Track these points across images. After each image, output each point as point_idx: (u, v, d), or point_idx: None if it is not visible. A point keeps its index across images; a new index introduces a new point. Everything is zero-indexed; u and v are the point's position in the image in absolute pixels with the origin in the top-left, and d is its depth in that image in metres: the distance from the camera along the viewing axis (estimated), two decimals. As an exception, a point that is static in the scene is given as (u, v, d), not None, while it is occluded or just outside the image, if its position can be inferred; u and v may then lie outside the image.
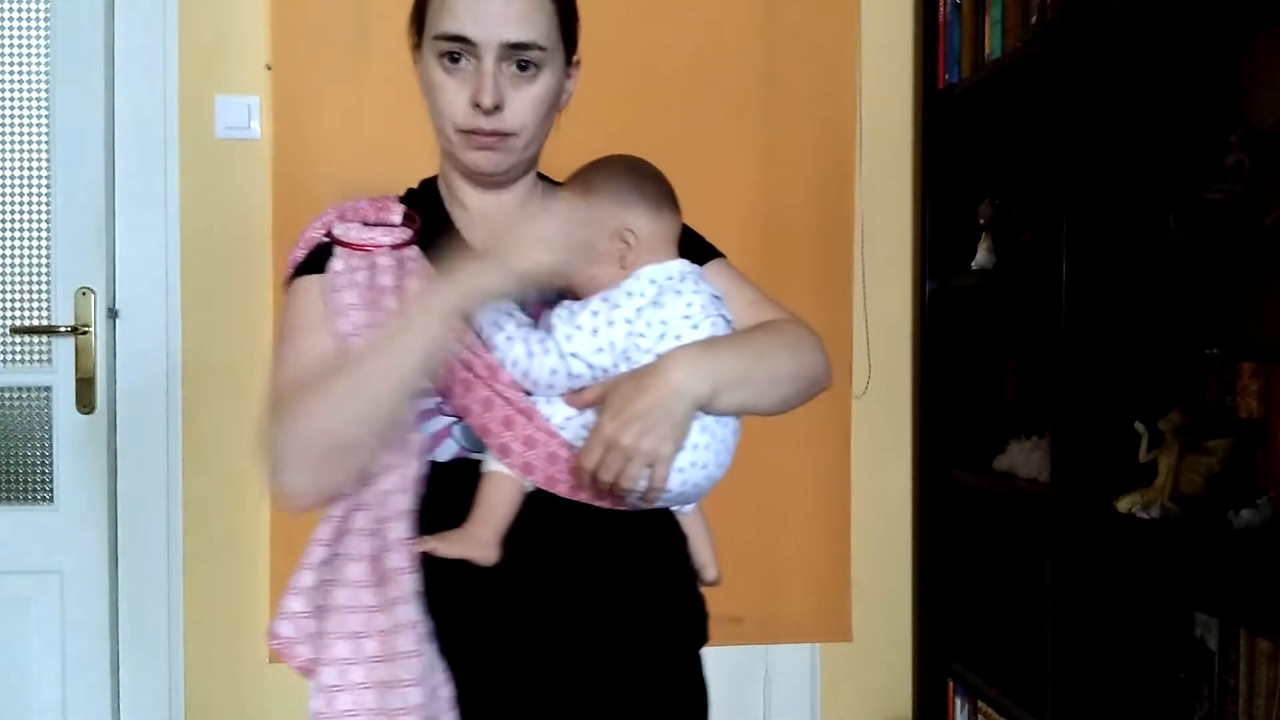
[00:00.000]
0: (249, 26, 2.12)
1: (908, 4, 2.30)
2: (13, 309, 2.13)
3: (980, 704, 2.09)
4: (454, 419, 1.03)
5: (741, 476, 2.25)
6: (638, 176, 1.07)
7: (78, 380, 2.12)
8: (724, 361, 1.00)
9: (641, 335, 1.00)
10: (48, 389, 2.14)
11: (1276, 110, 1.62)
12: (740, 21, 2.20)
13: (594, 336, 1.00)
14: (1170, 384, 1.70)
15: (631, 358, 1.00)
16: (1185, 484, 1.59)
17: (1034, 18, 1.86)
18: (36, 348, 2.14)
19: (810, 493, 2.25)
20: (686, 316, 1.01)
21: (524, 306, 1.05)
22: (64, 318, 2.12)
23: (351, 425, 0.96)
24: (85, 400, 2.12)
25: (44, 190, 2.13)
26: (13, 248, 2.13)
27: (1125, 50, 1.70)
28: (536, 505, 1.02)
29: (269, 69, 2.11)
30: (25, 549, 2.13)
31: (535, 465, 1.00)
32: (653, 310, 1.01)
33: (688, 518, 1.14)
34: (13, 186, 2.13)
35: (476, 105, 1.04)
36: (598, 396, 1.00)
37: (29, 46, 2.13)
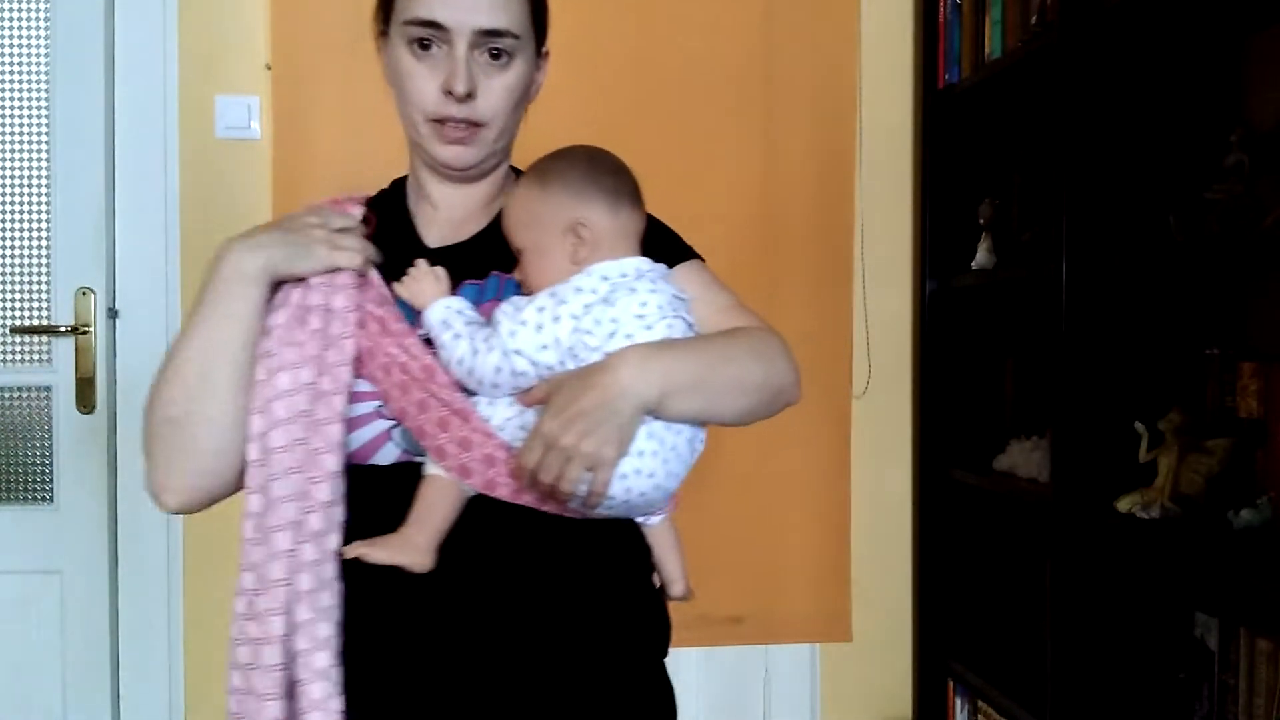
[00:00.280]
0: (249, 26, 2.13)
1: (908, 4, 2.30)
2: (13, 309, 2.13)
3: (980, 704, 2.09)
4: (394, 422, 0.99)
5: (741, 476, 2.27)
6: (596, 169, 1.03)
7: (78, 380, 2.12)
8: (677, 364, 0.95)
9: (589, 333, 0.95)
10: (48, 389, 2.14)
11: (1276, 110, 1.62)
12: (740, 21, 2.20)
13: (538, 333, 0.96)
14: (1170, 384, 1.70)
15: (579, 355, 0.95)
16: (1185, 484, 1.59)
17: (1034, 18, 1.86)
18: (36, 348, 2.14)
19: (810, 493, 2.25)
20: (640, 316, 0.96)
21: (476, 304, 1.02)
22: (64, 318, 2.12)
23: (169, 404, 0.98)
24: (85, 400, 2.12)
25: (44, 190, 2.13)
26: (13, 248, 2.13)
27: (1125, 50, 1.70)
28: (478, 511, 0.97)
29: (269, 69, 2.11)
30: (25, 549, 2.13)
31: (472, 468, 0.95)
32: (602, 308, 0.96)
33: (655, 529, 1.08)
34: (13, 186, 2.13)
35: (448, 93, 1.02)
36: (544, 394, 0.95)
37: (29, 46, 2.13)
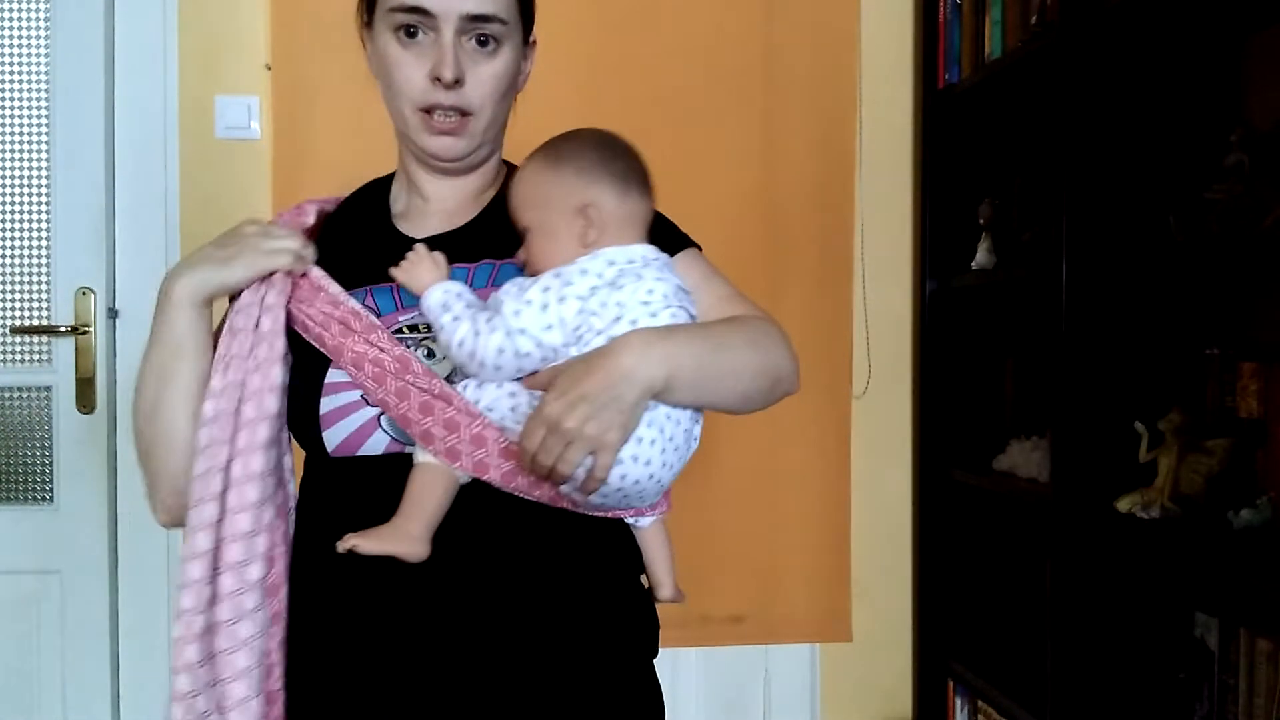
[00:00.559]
0: (249, 26, 2.13)
1: (908, 4, 2.30)
2: (13, 309, 2.13)
3: (980, 704, 2.09)
4: (380, 410, 0.98)
5: (741, 476, 2.27)
6: (608, 152, 1.01)
7: (78, 380, 2.12)
8: (681, 349, 0.93)
9: (595, 314, 0.94)
10: (48, 389, 2.14)
11: (1276, 110, 1.62)
12: (740, 21, 2.20)
13: (543, 312, 0.94)
14: (1170, 384, 1.70)
15: (583, 338, 0.94)
16: (1185, 484, 1.59)
17: (1034, 18, 1.86)
18: (36, 348, 2.14)
19: (810, 493, 2.24)
20: (646, 303, 0.95)
21: (472, 288, 1.02)
22: (64, 318, 2.12)
23: (138, 433, 1.02)
24: (85, 400, 2.12)
25: (44, 190, 2.13)
26: (13, 248, 2.13)
27: (1125, 50, 1.70)
28: (469, 502, 0.96)
29: (269, 69, 2.11)
30: (25, 549, 2.13)
31: (460, 450, 0.94)
32: (609, 291, 0.95)
33: (646, 531, 1.08)
34: (13, 186, 2.13)
35: (436, 80, 1.01)
36: (547, 379, 0.94)
37: (29, 46, 2.13)
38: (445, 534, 0.95)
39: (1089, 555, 1.71)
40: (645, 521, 1.07)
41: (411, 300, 1.02)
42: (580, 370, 0.91)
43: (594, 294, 0.95)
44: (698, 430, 1.01)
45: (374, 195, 1.16)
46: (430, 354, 1.00)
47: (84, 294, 2.11)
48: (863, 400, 2.28)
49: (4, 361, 2.14)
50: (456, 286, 0.99)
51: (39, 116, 2.13)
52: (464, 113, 1.04)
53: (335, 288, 1.02)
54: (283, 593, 1.01)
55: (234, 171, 2.14)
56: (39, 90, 2.13)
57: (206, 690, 0.95)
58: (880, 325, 2.30)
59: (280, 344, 1.00)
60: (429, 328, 1.00)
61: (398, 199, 1.15)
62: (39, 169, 2.13)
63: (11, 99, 2.13)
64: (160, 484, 1.03)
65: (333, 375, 1.00)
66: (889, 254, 2.30)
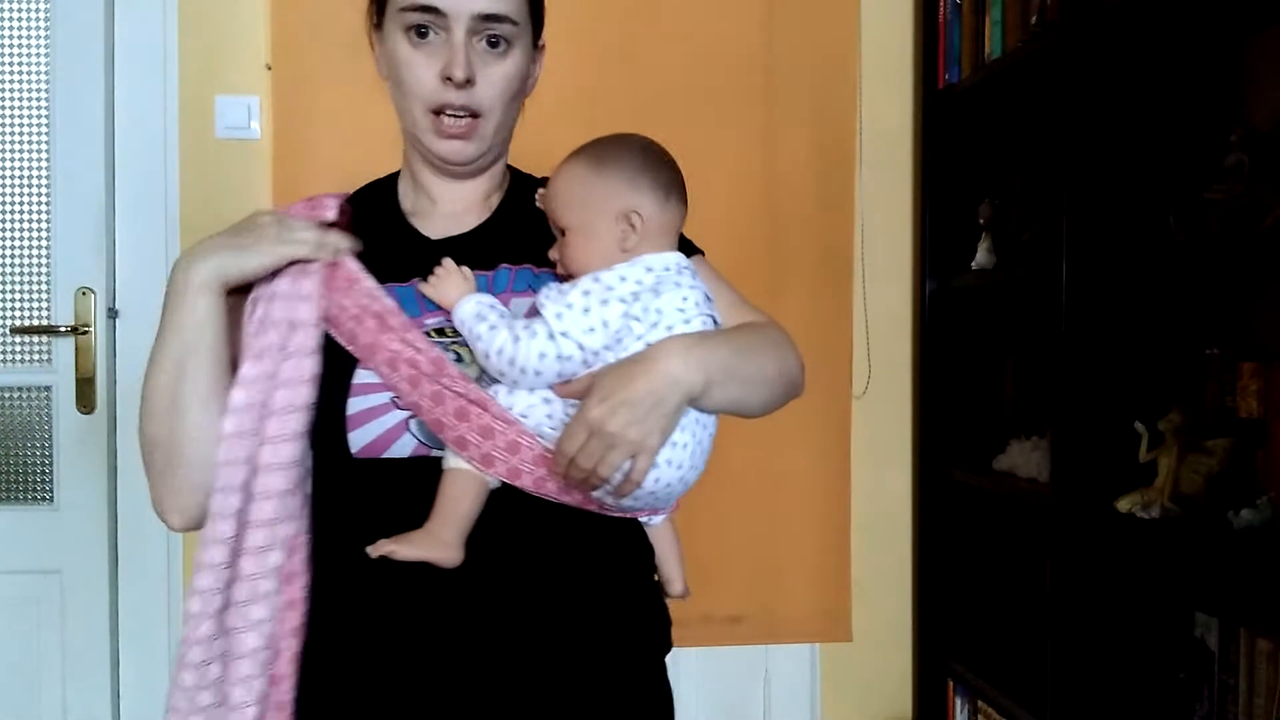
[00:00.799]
0: (249, 26, 2.13)
1: (908, 4, 2.30)
2: (13, 309, 2.13)
3: (980, 704, 2.09)
4: (409, 413, 0.98)
5: (742, 476, 2.27)
6: (654, 160, 1.02)
7: (78, 380, 2.12)
8: (716, 354, 0.96)
9: (637, 319, 0.95)
10: (48, 389, 2.14)
11: (1276, 110, 1.62)
12: (740, 21, 2.20)
13: (585, 315, 0.95)
14: (1170, 384, 1.70)
15: (623, 342, 0.95)
16: (1185, 484, 1.59)
17: (1034, 18, 1.86)
18: (36, 348, 2.14)
19: (810, 493, 2.25)
20: (681, 310, 0.97)
21: (491, 294, 1.02)
22: (64, 318, 2.12)
23: (150, 426, 0.99)
24: (85, 400, 2.12)
25: (44, 190, 2.13)
26: (13, 248, 2.13)
27: (1125, 50, 1.70)
28: (497, 504, 0.97)
29: (269, 69, 2.11)
30: (25, 549, 2.13)
31: (495, 456, 0.94)
32: (650, 297, 0.97)
33: (656, 530, 1.09)
34: (13, 186, 2.13)
35: (448, 79, 1.01)
36: (587, 386, 0.94)
37: (29, 46, 2.13)
38: (471, 537, 0.96)
39: (1089, 555, 1.71)
40: (656, 520, 1.09)
41: (434, 303, 1.02)
42: (623, 375, 0.92)
43: (637, 299, 0.97)
44: (714, 430, 1.03)
45: (381, 193, 1.15)
46: (459, 358, 1.00)
47: (84, 294, 2.11)
48: (863, 400, 2.28)
49: (4, 361, 2.14)
50: (488, 298, 1.00)
51: (39, 116, 2.13)
52: (474, 114, 1.04)
53: (372, 281, 1.01)
54: (300, 581, 1.00)
55: (234, 171, 2.14)
56: (39, 90, 2.13)
57: (216, 661, 0.97)
58: (880, 325, 2.30)
59: (317, 335, 0.99)
60: (455, 331, 1.00)
61: (405, 197, 1.14)
62: (39, 169, 2.13)
63: (11, 99, 2.13)
64: (177, 482, 1.00)
65: (360, 376, 0.99)
66: (889, 254, 2.30)
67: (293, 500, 0.99)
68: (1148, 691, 1.72)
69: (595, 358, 0.96)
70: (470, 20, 1.01)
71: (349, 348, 0.99)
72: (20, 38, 2.13)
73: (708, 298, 1.02)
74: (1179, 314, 1.72)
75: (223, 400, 0.97)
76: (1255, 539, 1.47)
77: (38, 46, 2.13)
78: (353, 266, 1.02)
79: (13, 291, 2.13)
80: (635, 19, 2.16)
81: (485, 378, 0.99)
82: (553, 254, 1.03)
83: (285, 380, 0.98)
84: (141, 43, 2.12)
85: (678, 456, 0.96)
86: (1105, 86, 1.70)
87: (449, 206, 1.11)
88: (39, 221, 2.13)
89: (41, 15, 2.12)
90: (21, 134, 2.13)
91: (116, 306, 2.13)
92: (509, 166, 1.17)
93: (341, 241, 1.00)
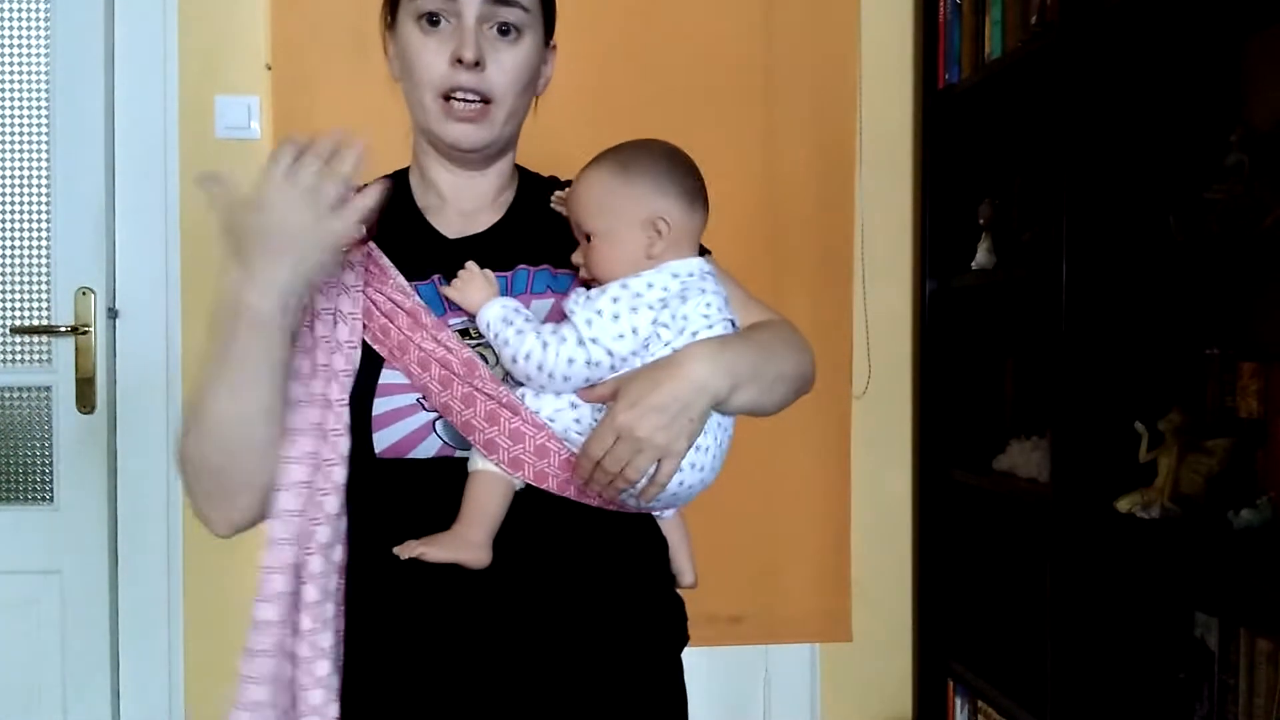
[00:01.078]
0: (249, 26, 2.12)
1: (908, 4, 2.30)
2: (13, 309, 2.13)
3: (980, 704, 2.09)
4: (435, 414, 0.99)
5: (742, 476, 2.26)
6: (679, 166, 1.03)
7: (78, 380, 2.12)
8: (740, 358, 0.97)
9: (665, 326, 0.97)
10: (48, 389, 2.14)
11: (1276, 110, 1.62)
12: (740, 21, 2.20)
13: (615, 322, 0.96)
14: (1170, 384, 1.70)
15: (650, 348, 0.97)
16: (1185, 484, 1.59)
17: (1034, 18, 1.86)
18: (36, 348, 2.14)
19: (810, 493, 2.25)
20: (706, 316, 0.98)
21: (510, 294, 1.03)
22: (64, 318, 2.12)
23: (210, 453, 0.96)
24: (85, 400, 2.12)
25: (44, 190, 2.13)
26: (13, 248, 2.13)
27: (1125, 50, 1.70)
28: (521, 504, 0.98)
29: (269, 69, 2.11)
30: (25, 549, 2.13)
31: (524, 460, 0.96)
32: (678, 303, 0.98)
33: (667, 522, 1.12)
34: (13, 186, 2.13)
35: (459, 61, 1.01)
36: (612, 391, 0.96)
37: (29, 46, 2.13)
38: (500, 538, 0.97)
39: (1089, 555, 1.71)
40: (669, 513, 1.11)
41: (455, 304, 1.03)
42: (651, 380, 0.93)
43: (665, 306, 0.98)
44: (734, 428, 1.05)
45: (396, 190, 1.14)
46: (484, 359, 1.01)
47: (84, 294, 2.11)
48: (863, 400, 2.28)
49: (4, 361, 2.14)
50: (513, 302, 1.00)
51: (39, 116, 2.13)
52: (485, 99, 1.04)
53: (401, 278, 1.02)
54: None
55: (234, 171, 2.13)
56: (39, 90, 2.13)
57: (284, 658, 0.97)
58: (880, 325, 2.30)
59: (360, 329, 1.00)
60: (478, 333, 1.01)
61: (416, 193, 1.14)
62: (39, 169, 2.13)
63: (11, 99, 2.13)
64: (235, 500, 0.97)
65: (387, 376, 0.99)
66: (889, 254, 2.30)
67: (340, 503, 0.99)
68: (1148, 691, 1.72)
69: (623, 363, 0.97)
70: (481, 5, 1.02)
71: (376, 346, 1.00)
72: (20, 38, 2.13)
73: (727, 301, 1.03)
74: (1179, 314, 1.72)
75: (283, 408, 0.96)
76: (1255, 539, 1.47)
77: (38, 46, 2.13)
78: (384, 261, 1.03)
79: (13, 291, 2.13)
80: (635, 19, 2.16)
81: (509, 381, 1.00)
82: (576, 258, 1.03)
83: (338, 371, 0.98)
84: (141, 43, 2.12)
85: (700, 459, 0.98)
86: (1105, 86, 1.70)
87: (459, 204, 1.11)
88: (39, 221, 2.13)
89: (41, 15, 2.12)
90: (21, 134, 2.13)
91: (116, 306, 2.13)
92: (517, 166, 1.17)
93: (367, 200, 0.95)
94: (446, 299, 1.03)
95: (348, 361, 0.98)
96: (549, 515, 0.99)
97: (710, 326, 0.98)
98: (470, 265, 1.03)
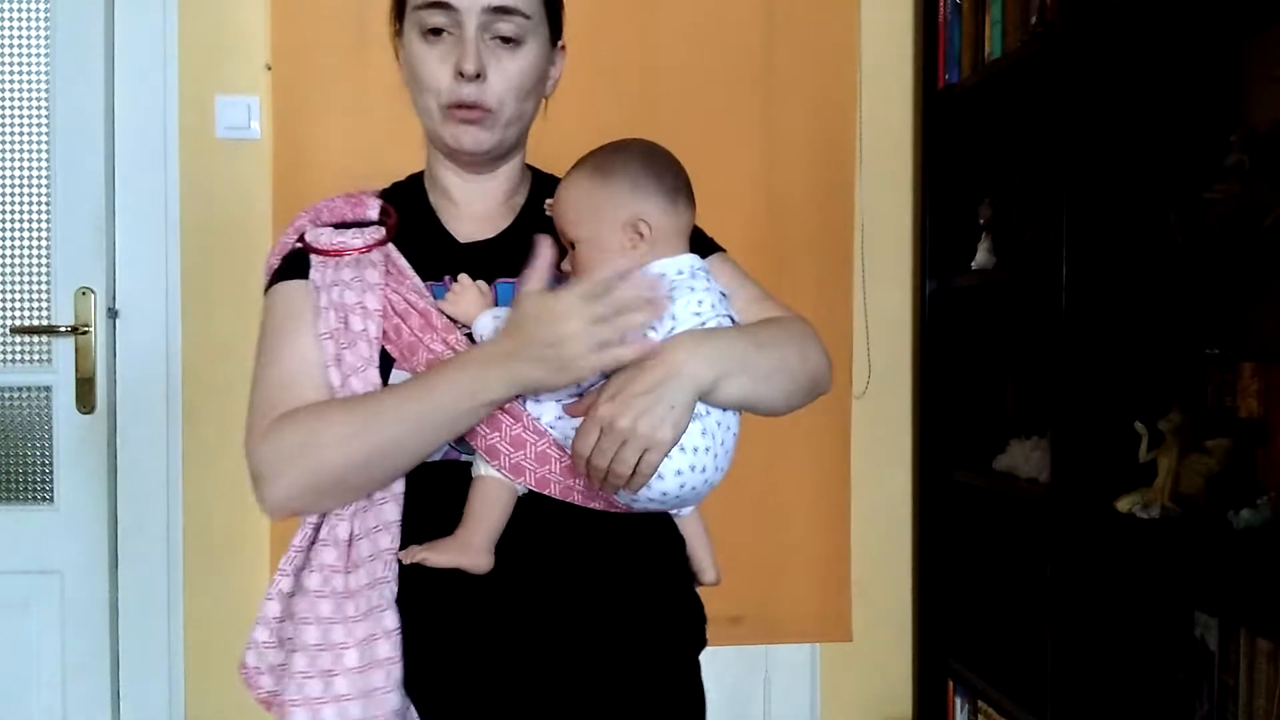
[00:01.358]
0: (249, 26, 2.12)
1: (908, 4, 2.30)
2: (13, 309, 2.13)
3: (980, 704, 2.09)
4: None
5: (741, 476, 2.25)
6: (657, 165, 1.02)
7: (78, 380, 2.12)
8: (726, 348, 0.96)
9: (652, 329, 0.96)
10: (48, 389, 2.14)
11: (1276, 110, 1.62)
12: (740, 21, 2.20)
13: None
14: (1170, 384, 1.70)
15: None
16: (1185, 484, 1.59)
17: (1034, 18, 1.86)
18: (36, 348, 2.14)
19: (810, 493, 2.24)
20: (697, 314, 0.98)
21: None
22: (64, 318, 2.12)
23: (361, 471, 0.96)
24: (85, 400, 2.12)
25: (44, 190, 2.13)
26: (13, 248, 2.13)
27: (1125, 50, 1.70)
28: (527, 510, 0.99)
29: (269, 69, 2.11)
30: (25, 549, 2.13)
31: (525, 466, 0.97)
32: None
33: (685, 520, 1.12)
34: (13, 186, 2.13)
35: (460, 74, 1.02)
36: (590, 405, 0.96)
37: (29, 46, 2.13)
38: (505, 543, 0.97)
39: (1089, 555, 1.71)
40: (686, 511, 1.10)
41: None
42: (631, 372, 0.92)
43: None
44: (739, 427, 1.04)
45: (411, 192, 1.15)
46: None
47: (84, 294, 2.11)
48: (863, 400, 2.28)
49: (4, 361, 2.14)
50: (505, 312, 1.00)
51: (39, 116, 2.13)
52: (486, 109, 1.04)
53: (417, 279, 1.03)
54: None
55: (234, 171, 2.14)
56: (39, 90, 2.13)
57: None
58: (880, 325, 2.30)
59: (382, 324, 1.01)
60: None
61: (430, 196, 1.15)
62: (39, 169, 2.13)
63: (11, 99, 2.13)
64: (330, 502, 0.99)
65: (396, 377, 1.00)
66: (889, 254, 2.30)
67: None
68: (1148, 691, 1.72)
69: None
70: (481, 14, 1.02)
71: (387, 346, 1.01)
72: (20, 38, 2.13)
73: (724, 296, 1.02)
74: (1179, 314, 1.72)
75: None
76: (1255, 539, 1.47)
77: (38, 46, 2.13)
78: (401, 262, 1.04)
79: (13, 291, 2.13)
80: (635, 19, 2.16)
81: None
82: (565, 266, 1.03)
83: (372, 362, 1.00)
84: (141, 42, 2.12)
85: (701, 460, 0.97)
86: (1105, 86, 1.70)
87: (469, 207, 1.12)
88: (39, 221, 2.13)
89: (41, 15, 2.12)
90: (21, 134, 2.13)
91: (116, 306, 2.13)
92: (530, 167, 1.17)
93: (625, 354, 0.93)
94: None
95: (373, 350, 1.00)
96: (555, 520, 0.99)
97: (703, 324, 0.98)
98: (462, 278, 1.04)
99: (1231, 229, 1.52)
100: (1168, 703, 1.71)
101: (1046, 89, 1.84)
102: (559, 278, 1.03)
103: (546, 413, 0.98)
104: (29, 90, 2.13)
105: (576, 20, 2.20)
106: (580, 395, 0.97)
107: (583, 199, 1.01)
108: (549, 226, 1.10)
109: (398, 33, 1.09)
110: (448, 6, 1.02)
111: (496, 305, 1.02)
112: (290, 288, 1.06)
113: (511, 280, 1.05)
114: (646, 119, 2.14)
